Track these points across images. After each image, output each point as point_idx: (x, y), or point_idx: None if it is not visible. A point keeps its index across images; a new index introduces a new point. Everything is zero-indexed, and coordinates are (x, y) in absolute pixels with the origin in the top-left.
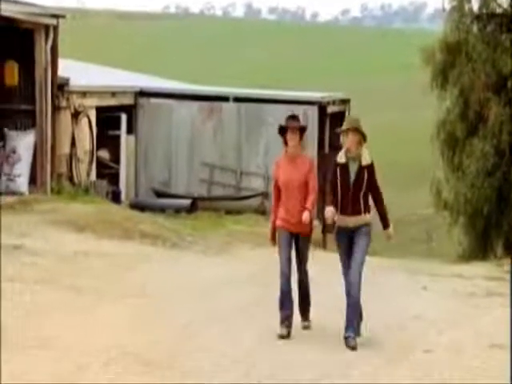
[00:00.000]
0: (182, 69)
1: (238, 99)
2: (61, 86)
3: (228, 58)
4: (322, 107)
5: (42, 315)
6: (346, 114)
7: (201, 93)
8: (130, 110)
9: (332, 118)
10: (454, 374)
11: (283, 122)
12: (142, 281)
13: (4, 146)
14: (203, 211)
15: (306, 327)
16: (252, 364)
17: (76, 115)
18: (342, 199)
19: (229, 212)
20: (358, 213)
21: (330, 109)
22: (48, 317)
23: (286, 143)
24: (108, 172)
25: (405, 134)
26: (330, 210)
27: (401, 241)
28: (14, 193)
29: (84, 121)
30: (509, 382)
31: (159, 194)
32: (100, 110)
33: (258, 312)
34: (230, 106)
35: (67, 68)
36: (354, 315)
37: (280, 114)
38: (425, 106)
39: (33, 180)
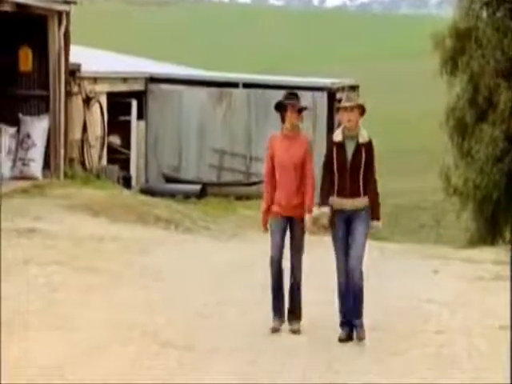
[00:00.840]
0: (192, 54)
1: (248, 85)
2: (72, 72)
3: (236, 44)
4: (331, 93)
5: (60, 296)
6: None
7: (210, 79)
8: (141, 96)
9: None
10: (463, 353)
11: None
12: (157, 264)
13: (18, 131)
14: (213, 197)
15: (294, 331)
16: (265, 347)
17: (87, 101)
18: (339, 180)
19: (239, 198)
20: (357, 195)
21: (339, 95)
22: (66, 297)
23: (283, 120)
24: (119, 157)
25: (413, 120)
26: (325, 212)
27: (409, 227)
28: (28, 177)
29: (95, 106)
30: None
31: (169, 180)
32: (111, 96)
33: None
34: (240, 91)
35: (78, 54)
36: (359, 304)
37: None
38: (433, 92)
39: (46, 165)
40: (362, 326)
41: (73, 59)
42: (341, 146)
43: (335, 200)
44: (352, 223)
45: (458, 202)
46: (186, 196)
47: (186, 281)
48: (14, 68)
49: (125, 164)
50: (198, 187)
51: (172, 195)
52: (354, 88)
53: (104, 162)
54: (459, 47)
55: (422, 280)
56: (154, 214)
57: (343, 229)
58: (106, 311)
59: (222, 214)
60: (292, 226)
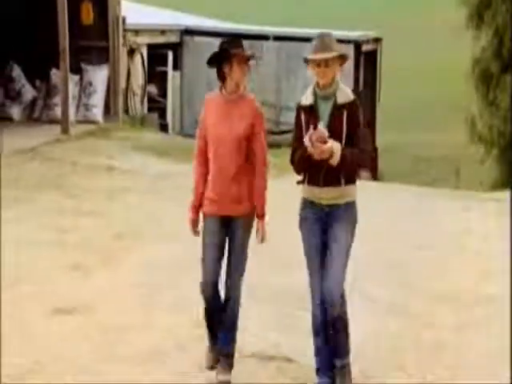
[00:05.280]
0: (222, 7)
1: (278, 38)
2: None
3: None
4: (357, 46)
5: (161, 214)
6: (379, 53)
7: (242, 31)
8: (176, 48)
9: (366, 56)
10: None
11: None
12: None
13: (81, 79)
14: None
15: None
16: None
17: (131, 52)
18: (310, 163)
19: (269, 145)
20: (335, 182)
21: (365, 47)
22: (168, 216)
23: (222, 78)
24: (156, 106)
25: (435, 72)
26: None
27: (428, 178)
28: (90, 121)
29: (137, 57)
30: None
31: None
32: (149, 48)
33: None
34: (270, 44)
35: (122, 7)
36: (342, 335)
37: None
38: (453, 46)
39: (105, 110)
40: (346, 370)
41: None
42: (310, 111)
43: (306, 189)
44: (330, 226)
45: (482, 148)
46: None
47: None
48: (76, 21)
49: (161, 112)
50: None
51: None
52: (377, 40)
53: (145, 110)
54: (485, 2)
55: (458, 215)
56: None
57: (318, 232)
58: None
59: None
60: (230, 228)
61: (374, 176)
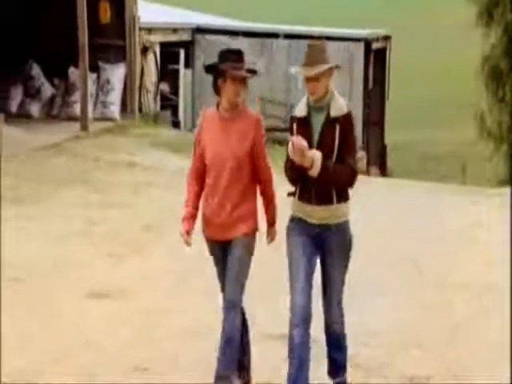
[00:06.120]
0: (232, 6)
1: (288, 36)
2: None
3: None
4: (367, 44)
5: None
6: (388, 50)
7: (252, 30)
8: (188, 46)
9: (375, 54)
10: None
11: (331, 58)
12: None
13: (99, 77)
14: None
15: None
16: None
17: (145, 50)
18: (301, 175)
19: (279, 142)
20: (328, 200)
21: (374, 45)
22: None
23: (218, 92)
24: (168, 103)
25: (441, 71)
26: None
27: (435, 175)
28: (107, 118)
29: (151, 55)
30: None
31: None
32: (162, 46)
33: None
34: (281, 42)
35: None
36: (342, 352)
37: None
38: (459, 44)
39: (122, 107)
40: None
41: None
42: (304, 122)
43: (296, 205)
44: (322, 252)
45: (491, 145)
46: None
47: None
48: (94, 20)
49: (173, 109)
50: None
51: None
52: (386, 38)
53: (157, 107)
54: (494, 0)
55: (466, 209)
56: None
57: (306, 244)
58: None
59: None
60: (229, 249)
61: (383, 173)
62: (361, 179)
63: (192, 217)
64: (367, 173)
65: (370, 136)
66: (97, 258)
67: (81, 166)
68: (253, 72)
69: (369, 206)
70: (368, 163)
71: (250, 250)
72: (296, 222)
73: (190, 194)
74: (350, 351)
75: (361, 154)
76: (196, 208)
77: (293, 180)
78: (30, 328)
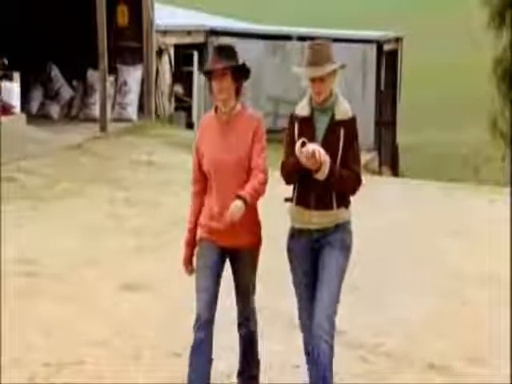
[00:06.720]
0: (245, 8)
1: (301, 38)
2: None
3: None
4: (379, 45)
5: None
6: (399, 52)
7: (266, 32)
8: (201, 48)
9: (388, 56)
10: None
11: (344, 60)
12: None
13: (116, 79)
14: (268, 142)
15: None
16: None
17: (159, 52)
18: (301, 178)
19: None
20: (327, 205)
21: (386, 47)
22: None
23: (211, 92)
24: (182, 105)
25: (452, 73)
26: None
27: (446, 177)
28: (125, 119)
29: (165, 57)
30: None
31: None
32: (176, 48)
33: None
34: (294, 44)
35: None
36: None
37: (340, 52)
38: (471, 46)
39: (139, 109)
40: None
41: None
42: (306, 122)
43: (294, 212)
44: (321, 253)
45: (503, 146)
46: None
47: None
48: (112, 23)
49: (187, 111)
50: None
51: None
52: (398, 40)
53: (172, 109)
54: (507, 2)
55: (481, 207)
56: None
57: (308, 261)
58: None
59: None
60: (235, 262)
61: (395, 174)
62: (375, 179)
63: (194, 240)
64: (379, 173)
65: (382, 136)
66: (128, 252)
67: (103, 164)
68: (235, 67)
69: (389, 205)
70: (380, 164)
71: (255, 264)
72: (295, 237)
73: (194, 205)
74: (375, 341)
75: (372, 155)
76: (196, 227)
77: (290, 178)
78: (70, 316)
